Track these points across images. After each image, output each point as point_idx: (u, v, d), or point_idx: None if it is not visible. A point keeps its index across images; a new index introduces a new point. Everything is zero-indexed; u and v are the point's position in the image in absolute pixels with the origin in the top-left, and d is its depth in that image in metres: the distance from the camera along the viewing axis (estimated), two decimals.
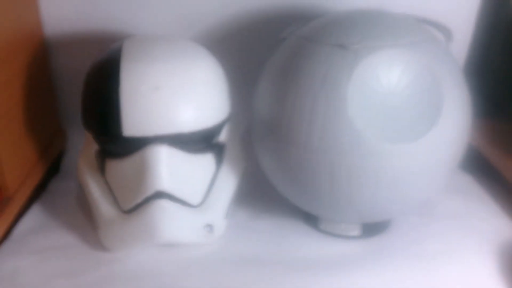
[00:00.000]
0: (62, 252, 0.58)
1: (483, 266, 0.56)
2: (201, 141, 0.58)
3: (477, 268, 0.56)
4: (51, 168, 0.75)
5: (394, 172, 0.50)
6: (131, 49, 0.57)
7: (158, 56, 0.55)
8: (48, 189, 0.71)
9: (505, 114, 0.82)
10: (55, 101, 0.78)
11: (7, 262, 0.56)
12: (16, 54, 0.65)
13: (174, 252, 0.57)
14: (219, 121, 0.58)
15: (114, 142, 0.55)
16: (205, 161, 0.59)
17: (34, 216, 0.65)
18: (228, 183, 0.62)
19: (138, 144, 0.54)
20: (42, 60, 0.74)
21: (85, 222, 0.62)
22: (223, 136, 0.61)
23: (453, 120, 0.51)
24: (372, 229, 0.60)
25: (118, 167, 0.57)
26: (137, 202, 0.54)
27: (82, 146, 0.63)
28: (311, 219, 0.62)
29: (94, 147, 0.59)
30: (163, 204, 0.53)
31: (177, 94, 0.54)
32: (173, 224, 0.53)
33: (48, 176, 0.73)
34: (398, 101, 0.49)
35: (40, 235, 0.61)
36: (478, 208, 0.67)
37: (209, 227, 0.58)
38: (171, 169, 0.54)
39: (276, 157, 0.55)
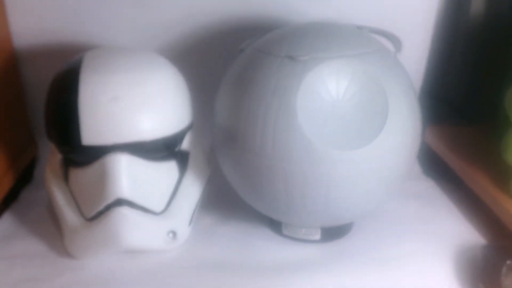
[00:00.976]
0: (30, 259, 0.59)
1: (440, 270, 0.57)
2: (162, 149, 0.59)
3: (435, 272, 0.57)
4: (24, 177, 0.76)
5: (344, 178, 0.51)
6: (91, 60, 0.58)
7: (117, 67, 0.57)
8: (20, 197, 0.72)
9: (465, 120, 0.83)
10: (26, 112, 0.79)
11: None
12: None
13: (139, 259, 0.58)
14: (180, 130, 0.60)
15: (74, 151, 0.57)
16: (167, 169, 0.61)
17: (4, 224, 0.65)
18: (191, 190, 0.63)
19: (98, 153, 0.55)
20: (12, 71, 0.75)
21: (54, 230, 0.63)
22: (186, 144, 0.63)
23: (400, 128, 0.53)
24: (333, 233, 0.62)
25: (80, 176, 0.58)
26: (98, 210, 0.55)
27: (48, 155, 0.64)
28: (274, 224, 0.64)
29: (58, 156, 0.60)
30: (124, 211, 0.54)
31: (135, 104, 0.55)
32: (134, 231, 0.54)
33: (21, 185, 0.74)
34: (345, 110, 0.51)
35: (9, 242, 0.61)
36: (438, 212, 0.69)
37: (173, 233, 0.59)
38: (131, 176, 0.55)
39: (234, 164, 0.57)
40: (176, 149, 0.61)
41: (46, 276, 0.56)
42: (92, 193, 0.56)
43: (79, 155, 0.57)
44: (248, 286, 0.55)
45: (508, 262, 0.53)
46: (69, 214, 0.58)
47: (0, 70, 0.70)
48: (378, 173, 0.53)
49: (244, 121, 0.54)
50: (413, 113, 0.55)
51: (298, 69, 0.51)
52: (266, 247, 0.62)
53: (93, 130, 0.54)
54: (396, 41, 0.58)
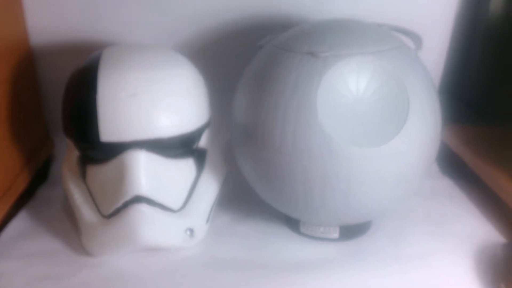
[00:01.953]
0: (47, 256, 0.59)
1: (460, 269, 0.56)
2: (180, 146, 0.59)
3: (455, 271, 0.56)
4: (40, 175, 0.76)
5: (364, 175, 0.51)
6: (110, 57, 0.58)
7: (136, 64, 0.57)
8: (36, 195, 0.72)
9: (484, 119, 0.83)
10: (42, 109, 0.79)
11: None
12: (2, 63, 0.66)
13: (156, 256, 0.58)
14: (198, 127, 0.59)
15: (92, 148, 0.57)
16: (185, 166, 0.60)
17: (21, 222, 0.66)
18: (209, 188, 0.63)
19: (116, 150, 0.55)
20: (28, 69, 0.75)
21: (71, 228, 0.63)
22: (203, 142, 0.62)
23: (421, 126, 0.52)
24: (351, 232, 0.61)
25: (98, 173, 0.58)
26: (116, 207, 0.55)
27: (66, 153, 0.64)
28: (292, 223, 0.63)
29: (76, 153, 0.60)
30: (142, 209, 0.54)
31: (154, 100, 0.55)
32: (152, 228, 0.54)
33: (37, 183, 0.74)
34: (366, 107, 0.50)
35: (26, 240, 0.62)
36: (457, 211, 0.68)
37: (190, 231, 0.59)
38: (149, 173, 0.55)
39: (253, 161, 0.57)
40: (194, 147, 0.61)
41: (63, 274, 0.56)
42: (110, 190, 0.56)
43: (97, 152, 0.57)
44: (265, 285, 0.55)
45: None
46: (86, 212, 0.58)
47: (17, 68, 0.71)
48: (398, 171, 0.52)
49: (264, 118, 0.53)
50: (434, 111, 0.54)
51: (318, 66, 0.51)
52: (283, 245, 0.61)
53: (111, 127, 0.54)
54: (416, 39, 0.57)
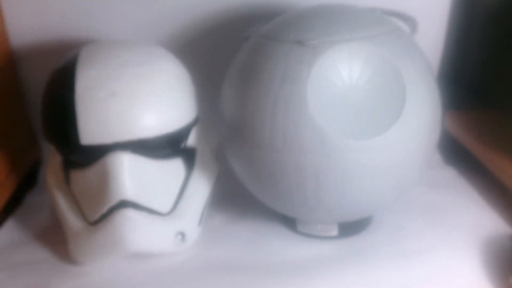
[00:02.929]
0: (35, 266, 0.57)
1: (467, 263, 0.54)
2: (166, 146, 0.56)
3: (461, 265, 0.54)
4: (29, 181, 0.74)
5: (360, 169, 0.48)
6: (88, 55, 0.56)
7: (116, 60, 0.54)
8: (24, 202, 0.70)
9: (485, 104, 0.80)
10: (26, 113, 0.77)
11: None
12: None
13: (147, 263, 0.56)
14: (184, 125, 0.57)
15: (73, 152, 0.54)
16: (173, 167, 0.58)
17: (8, 231, 0.64)
18: (200, 188, 0.61)
19: (98, 153, 0.53)
20: (10, 71, 0.73)
21: (59, 236, 0.60)
22: (192, 140, 0.60)
23: (419, 113, 0.49)
24: (351, 228, 0.59)
25: (81, 178, 0.55)
26: (102, 213, 0.53)
27: (48, 158, 0.62)
28: (288, 222, 0.61)
29: (58, 158, 0.58)
30: (128, 214, 0.51)
31: (135, 99, 0.53)
32: (140, 234, 0.52)
33: (26, 189, 0.73)
34: (360, 96, 0.48)
35: (13, 250, 0.60)
36: (462, 202, 0.66)
37: (181, 235, 0.57)
38: (134, 176, 0.52)
39: (243, 159, 0.54)
40: (182, 146, 0.59)
41: (51, 284, 0.54)
42: (95, 196, 0.54)
43: (78, 156, 0.54)
44: (264, 287, 0.52)
45: None
46: (72, 219, 0.56)
47: None
48: (397, 163, 0.49)
49: (252, 113, 0.50)
50: (432, 97, 0.51)
51: (307, 55, 0.48)
52: (280, 245, 0.59)
53: (91, 129, 0.52)
54: (411, 22, 0.54)
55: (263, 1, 0.71)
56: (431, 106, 0.51)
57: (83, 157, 0.54)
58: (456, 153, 0.76)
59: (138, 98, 0.53)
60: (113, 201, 0.52)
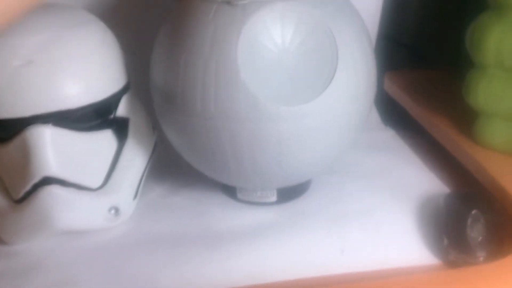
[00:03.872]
0: None
1: (402, 224, 0.55)
2: (93, 117, 0.53)
3: (397, 226, 0.54)
4: None
5: (296, 134, 0.47)
6: None
7: (32, 26, 0.50)
8: None
9: (426, 64, 0.81)
10: None
11: None
12: None
13: (79, 239, 0.54)
14: (111, 94, 0.53)
15: None
16: (102, 139, 0.55)
17: None
18: (134, 160, 0.58)
19: (17, 127, 0.49)
20: None
21: None
22: (123, 110, 0.57)
23: (352, 76, 0.48)
24: (290, 193, 0.58)
25: (2, 154, 0.52)
26: (26, 190, 0.50)
27: None
28: (229, 190, 0.60)
29: None
30: (54, 190, 0.49)
31: (54, 67, 0.49)
32: (68, 211, 0.50)
33: None
34: (293, 60, 0.46)
35: None
36: (400, 163, 0.66)
37: (115, 209, 0.54)
38: (59, 151, 0.49)
39: (177, 128, 0.52)
40: (111, 116, 0.55)
41: None
42: (17, 172, 0.50)
43: None
44: (206, 257, 0.52)
45: (474, 211, 0.50)
46: None
47: None
48: (332, 126, 0.48)
49: (182, 79, 0.48)
50: (367, 59, 0.50)
51: (237, 15, 0.45)
52: (221, 214, 0.58)
53: (7, 101, 0.48)
54: None
55: None
56: (365, 69, 0.49)
57: (1, 131, 0.50)
58: (394, 113, 0.77)
59: (57, 66, 0.49)
60: (36, 178, 0.49)
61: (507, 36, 0.53)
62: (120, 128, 0.57)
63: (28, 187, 0.49)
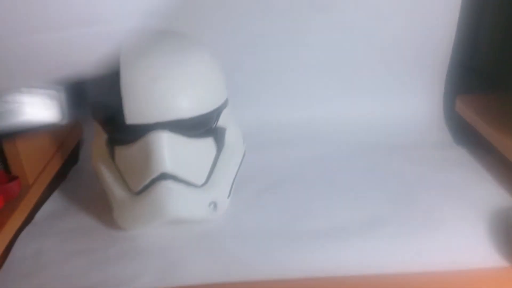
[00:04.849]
0: (81, 232, 0.62)
1: (474, 234, 0.58)
2: (200, 126, 0.61)
3: (469, 236, 0.58)
4: (71, 159, 0.80)
5: None
6: (128, 45, 0.60)
7: (156, 50, 0.59)
8: (68, 177, 0.76)
9: (496, 88, 0.83)
10: None
11: (31, 243, 0.60)
12: None
13: (182, 229, 0.61)
14: (215, 107, 0.62)
15: (119, 130, 0.59)
16: (206, 145, 0.63)
17: (54, 202, 0.69)
18: (229, 164, 0.66)
19: (141, 131, 0.58)
20: None
21: (101, 205, 0.66)
22: (222, 122, 0.65)
23: None
24: None
25: (125, 153, 0.61)
26: (144, 184, 0.58)
27: (94, 136, 0.67)
28: None
29: (104, 136, 0.63)
30: (168, 185, 0.57)
31: (174, 84, 0.57)
32: (178, 203, 0.57)
33: (69, 166, 0.78)
34: None
35: (60, 218, 0.65)
36: (471, 179, 0.70)
37: (214, 204, 0.62)
38: (173, 152, 0.57)
39: None
40: (213, 126, 0.64)
41: (98, 247, 0.59)
42: (138, 169, 0.59)
43: (124, 134, 0.59)
44: (294, 249, 0.57)
45: None
46: (117, 189, 0.62)
47: None
48: None
49: None
50: None
51: None
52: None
53: (136, 110, 0.57)
54: None
55: None
56: None
57: (128, 135, 0.59)
58: (466, 134, 0.80)
59: (176, 84, 0.58)
60: (154, 174, 0.57)
61: None
62: (219, 136, 0.65)
63: (147, 181, 0.58)
